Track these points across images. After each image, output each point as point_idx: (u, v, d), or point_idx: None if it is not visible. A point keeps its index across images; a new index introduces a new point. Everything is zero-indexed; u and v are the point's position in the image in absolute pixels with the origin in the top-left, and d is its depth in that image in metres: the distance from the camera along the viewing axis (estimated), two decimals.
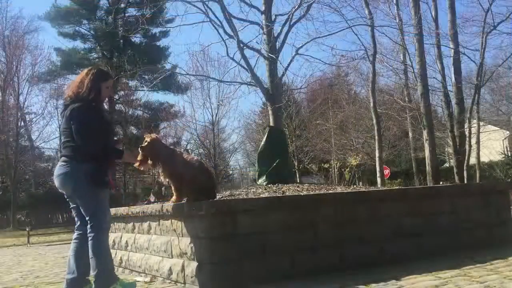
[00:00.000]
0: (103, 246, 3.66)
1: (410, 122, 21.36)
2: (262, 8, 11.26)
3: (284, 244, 4.03)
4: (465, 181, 15.74)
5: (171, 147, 4.61)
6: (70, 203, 3.82)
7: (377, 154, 14.82)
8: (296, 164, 25.61)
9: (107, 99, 3.97)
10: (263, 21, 11.15)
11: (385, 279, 3.63)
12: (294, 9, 11.04)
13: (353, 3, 21.06)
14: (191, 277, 3.91)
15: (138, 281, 4.58)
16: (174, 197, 4.02)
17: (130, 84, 30.70)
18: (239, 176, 45.77)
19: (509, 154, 22.85)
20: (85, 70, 3.82)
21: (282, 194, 5.11)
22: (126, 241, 5.21)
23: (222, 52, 65.67)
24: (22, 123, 31.07)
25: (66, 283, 3.69)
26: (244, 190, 5.95)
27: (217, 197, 5.31)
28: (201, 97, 28.33)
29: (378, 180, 14.77)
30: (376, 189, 6.09)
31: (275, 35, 11.02)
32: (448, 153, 23.75)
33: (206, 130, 28.67)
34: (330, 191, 5.21)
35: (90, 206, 3.63)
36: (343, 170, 23.34)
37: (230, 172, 41.55)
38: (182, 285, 4.04)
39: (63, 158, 3.70)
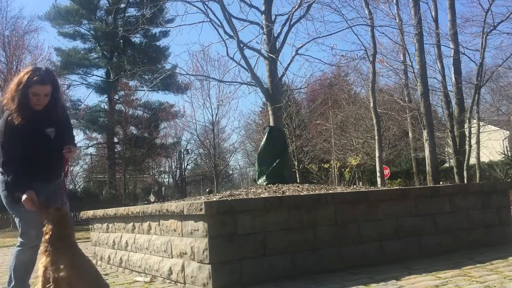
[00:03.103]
0: (17, 262, 3.43)
1: (410, 122, 21.34)
2: (262, 8, 11.26)
3: (284, 244, 4.03)
4: (465, 181, 15.73)
5: None
6: None
7: (377, 154, 14.78)
8: (296, 164, 25.59)
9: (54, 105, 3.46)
10: (263, 21, 11.15)
11: (385, 279, 3.63)
12: (294, 9, 11.03)
13: (353, 3, 21.08)
14: (191, 277, 3.92)
15: (138, 281, 4.59)
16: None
17: (130, 84, 30.66)
18: (239, 176, 45.85)
19: (509, 154, 22.84)
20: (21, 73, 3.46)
21: (282, 194, 5.11)
22: (126, 241, 5.21)
23: (222, 52, 65.78)
24: None
25: None
26: (244, 190, 5.95)
27: (217, 197, 5.32)
28: (201, 97, 28.26)
29: (378, 180, 14.75)
30: (376, 189, 6.08)
31: (275, 35, 11.02)
32: (448, 153, 23.73)
33: (206, 130, 28.65)
34: (330, 191, 5.21)
35: (16, 221, 3.48)
36: (343, 170, 23.39)
37: (230, 172, 41.62)
38: (182, 285, 4.04)
39: None
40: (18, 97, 3.29)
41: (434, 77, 18.57)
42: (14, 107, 3.31)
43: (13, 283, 3.40)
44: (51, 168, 3.48)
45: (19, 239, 3.43)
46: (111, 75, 30.09)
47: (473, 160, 17.89)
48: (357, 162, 23.17)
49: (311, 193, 5.02)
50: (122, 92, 30.67)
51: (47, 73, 3.43)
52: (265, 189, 5.68)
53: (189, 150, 34.45)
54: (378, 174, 14.75)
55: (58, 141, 3.46)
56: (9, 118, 3.33)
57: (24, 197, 3.21)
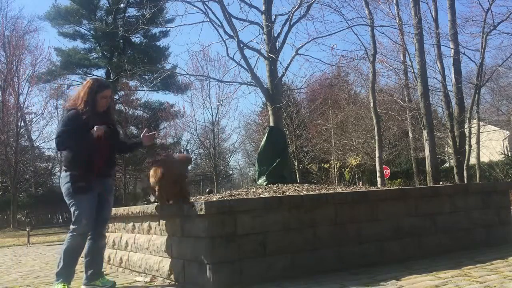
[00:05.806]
0: (68, 246, 3.93)
1: (410, 122, 21.36)
2: (262, 8, 11.27)
3: (284, 244, 4.03)
4: (465, 181, 15.73)
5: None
6: None
7: (377, 154, 14.80)
8: (296, 164, 25.60)
9: (110, 108, 4.17)
10: (263, 21, 11.16)
11: (385, 279, 3.63)
12: (294, 9, 11.04)
13: (353, 3, 21.10)
14: (191, 277, 3.92)
15: (138, 281, 4.59)
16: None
17: (130, 84, 30.67)
18: (239, 176, 45.89)
19: (509, 154, 22.84)
20: (84, 83, 4.16)
21: (282, 194, 5.10)
22: (126, 241, 5.21)
23: (222, 52, 65.78)
24: (22, 123, 30.94)
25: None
26: (244, 190, 5.95)
27: (217, 197, 5.32)
28: (201, 97, 28.39)
29: (378, 180, 14.76)
30: (376, 189, 6.08)
31: (275, 35, 11.03)
32: (448, 153, 23.74)
33: (206, 130, 28.70)
34: (330, 191, 5.21)
35: (71, 210, 3.96)
36: (343, 170, 23.39)
37: (230, 172, 41.65)
38: (182, 285, 4.04)
39: None
40: (91, 99, 3.95)
41: (434, 77, 18.64)
42: (87, 107, 3.92)
43: (61, 264, 3.90)
44: (108, 162, 4.15)
45: (71, 226, 3.94)
46: (111, 75, 30.09)
47: (473, 160, 17.92)
48: (357, 162, 23.18)
49: (311, 193, 5.02)
50: (122, 92, 30.69)
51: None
52: (265, 189, 5.67)
53: (189, 150, 34.48)
54: (378, 174, 14.78)
55: (110, 138, 4.06)
56: (76, 112, 3.92)
57: (95, 129, 3.83)
